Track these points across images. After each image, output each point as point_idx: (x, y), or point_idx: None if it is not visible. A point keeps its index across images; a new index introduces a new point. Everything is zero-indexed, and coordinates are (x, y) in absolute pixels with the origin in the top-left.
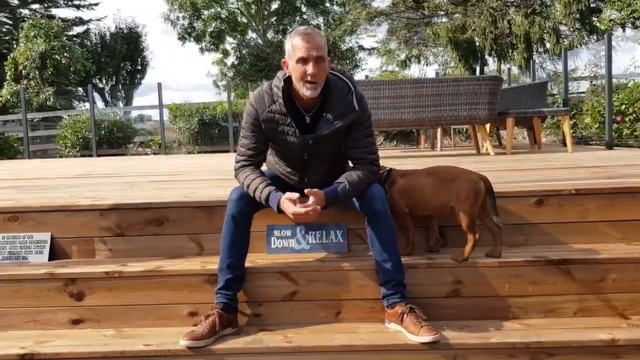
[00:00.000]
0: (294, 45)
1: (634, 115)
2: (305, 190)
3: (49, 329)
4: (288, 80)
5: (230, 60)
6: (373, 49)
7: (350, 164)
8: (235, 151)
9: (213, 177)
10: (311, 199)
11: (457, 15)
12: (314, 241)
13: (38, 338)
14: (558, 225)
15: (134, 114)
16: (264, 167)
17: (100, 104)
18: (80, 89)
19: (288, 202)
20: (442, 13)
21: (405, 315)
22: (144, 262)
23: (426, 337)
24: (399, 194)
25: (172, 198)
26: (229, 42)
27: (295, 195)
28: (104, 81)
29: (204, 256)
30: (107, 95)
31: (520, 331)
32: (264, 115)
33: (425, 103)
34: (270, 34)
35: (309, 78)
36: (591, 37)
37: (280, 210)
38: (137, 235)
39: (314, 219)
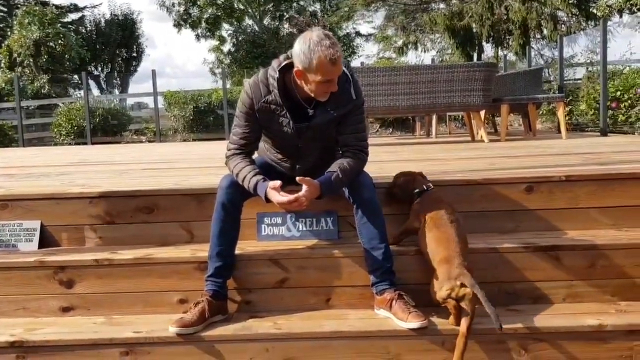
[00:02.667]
0: (321, 66)
1: (629, 101)
2: (298, 179)
3: (38, 317)
4: (282, 70)
5: (227, 47)
6: (370, 35)
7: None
8: None
9: (206, 164)
10: (304, 188)
11: (454, 1)
12: (304, 228)
13: (28, 325)
14: (548, 211)
15: (130, 101)
16: (254, 154)
17: (95, 91)
18: (75, 76)
19: (273, 191)
20: None
21: (394, 302)
22: (133, 249)
23: (414, 323)
24: (416, 219)
25: (163, 185)
26: (225, 29)
27: (278, 182)
28: (99, 68)
29: (194, 244)
30: (102, 82)
31: (508, 317)
32: (259, 105)
33: (419, 90)
34: (266, 21)
35: (329, 91)
36: (589, 23)
37: (268, 200)
38: (127, 223)
39: (301, 208)
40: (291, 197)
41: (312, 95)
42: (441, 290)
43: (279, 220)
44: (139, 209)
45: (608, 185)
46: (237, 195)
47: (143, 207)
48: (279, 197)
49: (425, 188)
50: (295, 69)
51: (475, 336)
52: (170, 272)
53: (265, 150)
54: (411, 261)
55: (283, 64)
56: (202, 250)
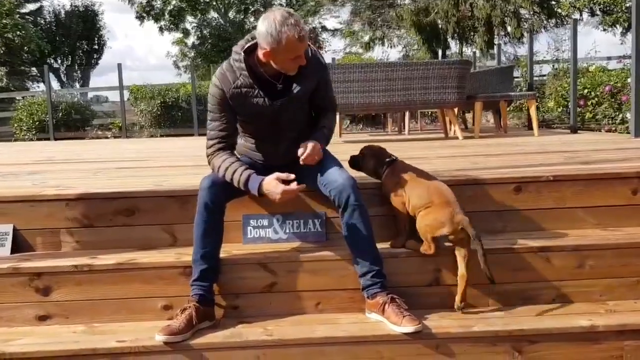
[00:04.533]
0: (289, 45)
1: (596, 99)
2: (302, 159)
3: (13, 327)
4: (246, 51)
5: (191, 40)
6: (337, 30)
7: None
8: (200, 135)
9: (182, 163)
10: (305, 155)
11: None
12: (291, 231)
13: (2, 336)
14: (536, 211)
15: (92, 95)
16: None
17: (55, 84)
18: (34, 69)
19: (275, 181)
20: None
21: (386, 305)
22: (114, 254)
23: (409, 328)
24: (396, 186)
25: (143, 187)
26: (190, 22)
27: (292, 176)
28: (59, 61)
29: (178, 247)
30: (62, 75)
31: (501, 319)
32: (230, 93)
33: (395, 87)
34: (231, 14)
35: (299, 65)
36: (549, 21)
37: (260, 193)
38: (106, 226)
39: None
40: (296, 188)
41: (283, 71)
42: (441, 229)
43: (265, 222)
44: (119, 212)
45: (593, 185)
46: (219, 195)
47: (123, 210)
48: (283, 186)
49: (394, 158)
50: (262, 51)
51: (469, 339)
52: (154, 278)
53: (243, 146)
54: (403, 264)
55: (246, 46)
56: (187, 254)
